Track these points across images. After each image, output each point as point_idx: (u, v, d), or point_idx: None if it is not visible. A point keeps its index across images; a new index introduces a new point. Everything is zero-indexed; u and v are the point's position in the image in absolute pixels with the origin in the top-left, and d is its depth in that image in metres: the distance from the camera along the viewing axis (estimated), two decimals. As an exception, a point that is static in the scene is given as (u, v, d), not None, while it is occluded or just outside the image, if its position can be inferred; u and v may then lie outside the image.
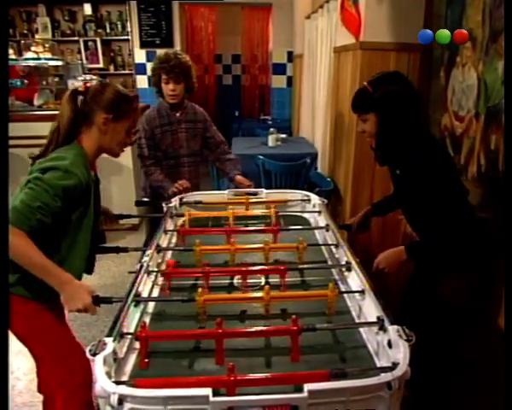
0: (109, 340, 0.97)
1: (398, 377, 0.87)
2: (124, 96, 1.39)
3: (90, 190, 1.36)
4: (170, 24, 5.31)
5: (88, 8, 5.35)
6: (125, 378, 0.96)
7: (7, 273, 1.18)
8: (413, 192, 1.52)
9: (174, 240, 1.74)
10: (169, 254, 1.64)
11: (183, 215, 1.91)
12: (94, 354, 0.92)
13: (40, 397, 1.56)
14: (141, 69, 5.48)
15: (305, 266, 1.48)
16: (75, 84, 3.58)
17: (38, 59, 3.97)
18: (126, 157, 3.75)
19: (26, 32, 5.44)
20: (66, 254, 1.33)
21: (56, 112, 1.39)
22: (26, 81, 4.06)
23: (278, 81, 5.77)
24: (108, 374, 0.89)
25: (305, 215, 2.04)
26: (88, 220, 1.38)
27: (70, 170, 1.24)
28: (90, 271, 1.53)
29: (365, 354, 1.08)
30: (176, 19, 5.33)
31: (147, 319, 1.21)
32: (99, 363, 0.90)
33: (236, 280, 1.41)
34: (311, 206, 2.03)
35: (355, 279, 1.34)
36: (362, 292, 1.25)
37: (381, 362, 1.02)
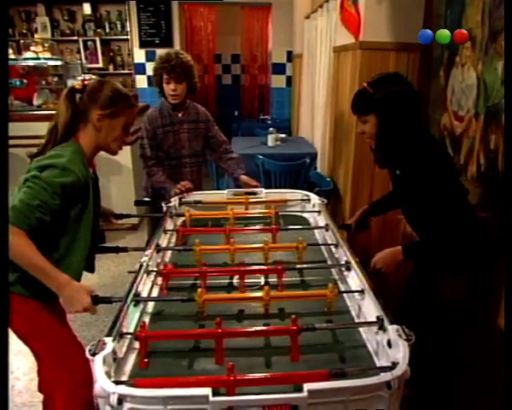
0: (109, 340, 0.97)
1: (398, 377, 0.87)
2: (118, 92, 1.38)
3: (89, 186, 1.36)
4: (169, 24, 5.31)
5: (87, 8, 5.35)
6: (124, 378, 0.96)
7: (7, 273, 1.18)
8: (413, 192, 1.52)
9: (174, 240, 1.74)
10: (168, 253, 1.64)
11: (182, 215, 1.91)
12: (93, 354, 0.92)
13: (40, 397, 1.57)
14: (140, 69, 5.47)
15: (305, 265, 1.47)
16: (74, 82, 3.57)
17: (38, 59, 3.97)
18: (126, 157, 3.75)
19: (25, 31, 5.44)
20: (65, 251, 1.33)
21: (55, 112, 1.39)
22: (25, 81, 4.05)
23: (278, 81, 5.77)
24: (108, 374, 0.89)
25: (305, 215, 2.04)
26: (87, 218, 1.38)
27: (67, 167, 1.24)
28: (91, 269, 1.53)
29: (365, 353, 1.08)
30: (175, 18, 5.33)
31: (146, 319, 1.21)
32: (98, 363, 0.90)
33: (236, 280, 1.41)
34: (310, 206, 2.03)
35: (354, 279, 1.34)
36: (361, 292, 1.25)
37: (380, 362, 1.02)
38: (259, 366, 1.03)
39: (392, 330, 1.01)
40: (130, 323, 1.13)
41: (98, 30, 5.44)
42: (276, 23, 5.50)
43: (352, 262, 1.38)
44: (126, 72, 5.61)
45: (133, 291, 1.20)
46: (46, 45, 4.09)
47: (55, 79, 4.40)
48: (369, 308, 1.17)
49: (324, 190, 2.81)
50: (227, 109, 6.42)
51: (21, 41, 4.64)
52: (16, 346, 2.23)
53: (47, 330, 1.35)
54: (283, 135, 4.02)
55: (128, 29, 5.33)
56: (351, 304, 1.30)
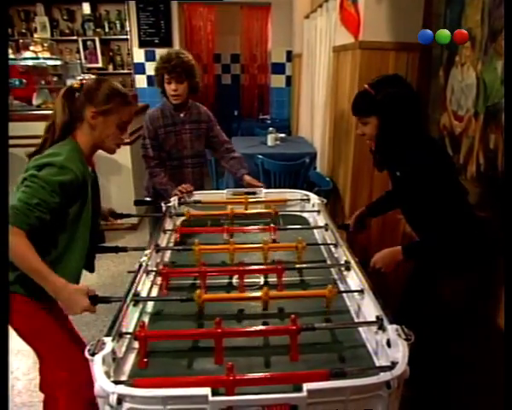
0: (108, 339, 0.97)
1: (397, 377, 0.87)
2: (112, 90, 1.36)
3: (87, 185, 1.36)
4: (169, 23, 5.31)
5: (87, 8, 5.34)
6: (124, 378, 0.96)
7: (7, 273, 1.18)
8: (413, 193, 1.52)
9: (173, 239, 1.73)
10: (168, 253, 1.64)
11: (182, 215, 1.91)
12: (93, 354, 0.92)
13: (39, 397, 1.56)
14: (140, 69, 5.47)
15: (304, 265, 1.47)
16: (73, 82, 3.57)
17: (37, 58, 3.96)
18: (125, 156, 3.75)
19: (24, 31, 5.43)
20: (64, 250, 1.33)
21: (56, 108, 1.39)
22: (24, 81, 4.05)
23: (277, 81, 5.77)
24: (107, 374, 0.89)
25: (305, 215, 2.04)
26: (86, 216, 1.38)
27: (65, 165, 1.24)
28: (91, 268, 1.52)
29: (364, 353, 1.08)
30: (175, 18, 5.33)
31: (146, 319, 1.21)
32: (98, 363, 0.90)
33: (235, 280, 1.41)
34: (310, 205, 2.03)
35: (354, 279, 1.34)
36: (361, 292, 1.25)
37: (380, 361, 1.02)
38: (259, 365, 1.03)
39: (391, 329, 1.01)
40: (130, 323, 1.13)
41: (97, 30, 5.43)
42: (276, 23, 5.50)
43: (352, 262, 1.38)
44: (126, 71, 5.60)
45: (132, 291, 1.20)
46: (45, 45, 4.08)
47: (55, 78, 4.39)
48: (369, 308, 1.17)
49: (324, 189, 2.82)
50: (226, 109, 6.41)
51: (20, 41, 4.63)
52: (16, 346, 2.24)
53: (46, 330, 1.35)
54: (283, 135, 4.02)
55: (127, 29, 5.33)
56: (350, 304, 1.30)
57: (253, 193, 2.10)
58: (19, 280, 1.24)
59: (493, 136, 1.72)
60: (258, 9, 6.18)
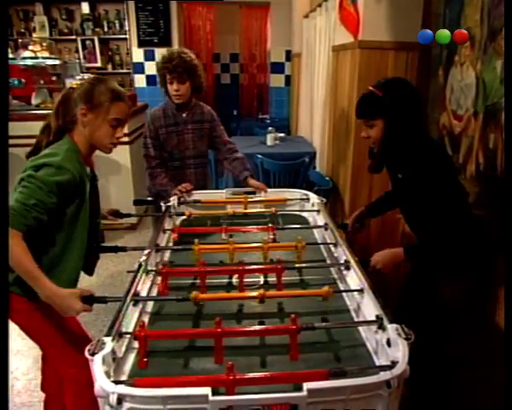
0: (108, 339, 0.97)
1: (398, 376, 0.88)
2: (101, 86, 1.34)
3: (85, 184, 1.36)
4: (168, 23, 5.30)
5: (85, 7, 5.33)
6: (124, 378, 0.96)
7: (7, 273, 1.18)
8: (415, 194, 1.51)
9: (172, 239, 1.73)
10: (168, 253, 1.63)
11: (181, 214, 1.91)
12: (93, 354, 0.92)
13: (39, 397, 1.57)
14: (139, 68, 5.47)
15: (304, 265, 1.47)
16: (72, 82, 3.57)
17: (36, 58, 3.95)
18: (124, 156, 3.74)
19: (23, 30, 5.42)
20: (62, 251, 1.33)
21: (53, 110, 1.39)
22: (23, 80, 4.04)
23: (276, 80, 5.77)
24: (107, 374, 0.89)
25: (304, 214, 2.04)
26: (84, 215, 1.37)
27: (62, 166, 1.24)
28: (89, 271, 1.52)
29: (364, 352, 1.08)
30: (174, 17, 5.32)
31: (145, 319, 1.21)
32: (98, 362, 0.90)
33: (235, 279, 1.41)
34: (309, 205, 2.03)
35: (354, 278, 1.34)
36: (361, 291, 1.25)
37: (380, 361, 1.02)
38: (259, 365, 1.03)
39: (391, 329, 1.01)
40: (130, 322, 1.13)
41: (96, 29, 5.42)
42: (275, 22, 5.50)
43: (352, 261, 1.38)
44: (125, 71, 5.60)
45: (132, 291, 1.20)
46: (44, 44, 4.07)
47: (54, 78, 4.38)
48: (369, 307, 1.17)
49: (323, 189, 2.82)
50: (226, 109, 6.40)
51: (19, 40, 4.63)
52: (15, 346, 2.24)
53: (47, 329, 1.35)
54: (282, 134, 4.02)
55: (126, 28, 5.32)
56: (350, 303, 1.30)
57: (253, 193, 2.10)
58: (17, 281, 1.24)
59: (493, 135, 1.72)
60: (258, 9, 6.18)
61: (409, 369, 0.90)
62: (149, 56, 5.37)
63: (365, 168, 2.43)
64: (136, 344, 1.07)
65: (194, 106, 2.23)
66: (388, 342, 1.00)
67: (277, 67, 5.70)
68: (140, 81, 5.50)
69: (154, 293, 1.35)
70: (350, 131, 2.51)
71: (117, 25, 5.47)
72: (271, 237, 1.66)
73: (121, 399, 0.83)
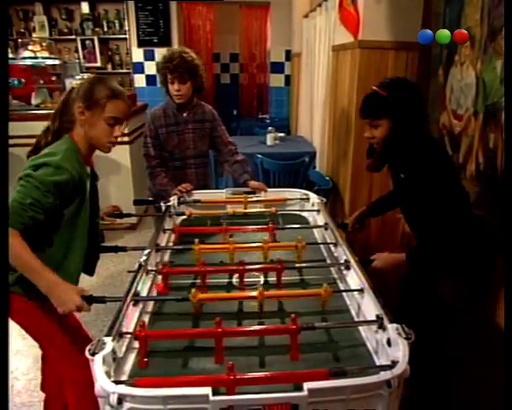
0: (108, 339, 0.97)
1: (398, 376, 0.88)
2: (98, 84, 1.34)
3: (85, 184, 1.36)
4: (167, 22, 5.30)
5: (85, 7, 5.33)
6: (124, 378, 0.96)
7: (7, 273, 1.18)
8: (416, 194, 1.51)
9: (173, 239, 1.73)
10: (168, 253, 1.63)
11: (181, 214, 1.91)
12: (93, 354, 0.92)
13: (39, 397, 1.57)
14: (138, 68, 5.46)
15: (304, 264, 1.47)
16: (73, 82, 3.57)
17: (35, 58, 3.95)
18: (124, 156, 3.74)
19: (22, 30, 5.42)
20: (63, 250, 1.33)
21: (53, 111, 1.39)
22: (23, 80, 4.04)
23: (276, 80, 5.77)
24: (108, 374, 0.89)
25: (304, 214, 2.04)
26: (84, 215, 1.37)
27: (61, 165, 1.24)
28: (90, 272, 1.52)
29: (364, 352, 1.08)
30: (173, 17, 5.32)
31: (146, 319, 1.21)
32: (98, 362, 0.90)
33: (235, 279, 1.41)
34: (309, 205, 2.03)
35: (354, 278, 1.34)
36: (361, 291, 1.25)
37: (380, 360, 1.02)
38: (259, 365, 1.03)
39: (391, 328, 1.01)
40: (130, 322, 1.13)
41: (96, 29, 5.42)
42: (275, 22, 5.49)
43: (352, 261, 1.38)
44: (125, 71, 5.60)
45: (132, 291, 1.20)
46: (44, 44, 4.07)
47: (53, 78, 4.38)
48: (369, 307, 1.17)
49: (323, 188, 2.82)
50: (226, 108, 6.39)
51: (19, 40, 4.63)
52: (15, 346, 2.24)
53: (49, 328, 1.35)
54: (282, 134, 4.02)
55: (126, 28, 5.32)
56: (350, 303, 1.30)
57: (253, 192, 2.10)
58: (18, 281, 1.24)
59: (492, 135, 1.72)
60: (258, 8, 6.18)
61: (409, 369, 0.90)
62: (149, 56, 5.37)
63: (365, 168, 2.46)
64: (136, 344, 1.07)
65: (196, 105, 2.21)
66: (388, 342, 1.00)
67: (277, 67, 5.70)
68: (140, 81, 5.50)
69: (155, 293, 1.35)
70: (350, 130, 2.51)
71: (117, 25, 5.47)
72: (271, 236, 1.65)
73: (121, 399, 0.83)
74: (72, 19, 5.55)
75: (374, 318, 1.09)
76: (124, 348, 1.04)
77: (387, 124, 1.47)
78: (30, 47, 3.96)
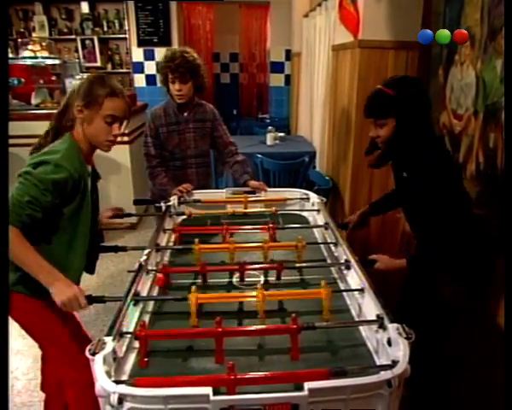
0: (109, 339, 0.97)
1: (398, 375, 0.88)
2: (95, 81, 1.34)
3: (86, 183, 1.35)
4: (167, 22, 5.30)
5: (85, 7, 5.33)
6: (124, 378, 0.96)
7: (7, 273, 1.18)
8: (419, 194, 1.49)
9: (173, 239, 1.73)
10: (168, 252, 1.63)
11: (181, 214, 1.91)
12: (93, 354, 0.92)
13: (39, 397, 1.57)
14: (138, 68, 5.46)
15: (304, 264, 1.47)
16: (73, 82, 3.57)
17: (35, 57, 3.95)
18: (124, 156, 3.74)
19: (22, 30, 5.41)
20: (65, 250, 1.33)
21: (53, 111, 1.40)
22: (23, 80, 4.04)
23: (276, 79, 5.76)
24: (108, 373, 0.89)
25: (304, 214, 2.04)
26: (86, 214, 1.37)
27: (60, 164, 1.24)
28: (91, 270, 1.52)
29: (365, 352, 1.08)
30: (173, 17, 5.32)
31: (146, 318, 1.21)
32: (99, 362, 0.90)
33: (235, 279, 1.41)
34: (309, 204, 2.03)
35: (354, 278, 1.34)
36: (361, 290, 1.25)
37: (380, 360, 1.02)
38: (259, 365, 1.03)
39: (392, 328, 1.01)
40: (130, 322, 1.13)
41: (96, 29, 5.42)
42: (275, 22, 5.49)
43: (352, 261, 1.38)
44: (124, 71, 5.59)
45: (132, 291, 1.20)
46: (44, 44, 4.07)
47: (53, 77, 4.38)
48: (369, 307, 1.17)
49: (323, 188, 2.82)
50: (225, 108, 6.39)
51: (19, 40, 4.63)
52: (15, 346, 2.24)
53: (50, 328, 1.35)
54: (282, 134, 4.02)
55: (126, 28, 5.32)
56: (351, 303, 1.30)
57: (253, 192, 2.10)
58: (20, 280, 1.24)
59: (493, 134, 1.72)
60: (257, 8, 6.18)
61: (409, 368, 0.90)
62: (149, 56, 5.37)
63: (365, 167, 2.45)
64: (136, 344, 1.07)
65: (197, 105, 2.21)
66: (389, 342, 1.00)
67: (277, 67, 5.70)
68: (139, 81, 5.49)
69: (155, 292, 1.35)
70: (350, 130, 2.50)
71: (116, 24, 5.46)
72: (271, 236, 1.65)
73: (122, 399, 0.83)
74: (71, 18, 5.54)
75: (374, 317, 1.09)
76: (124, 348, 1.04)
77: (393, 123, 1.45)
78: (30, 47, 3.96)
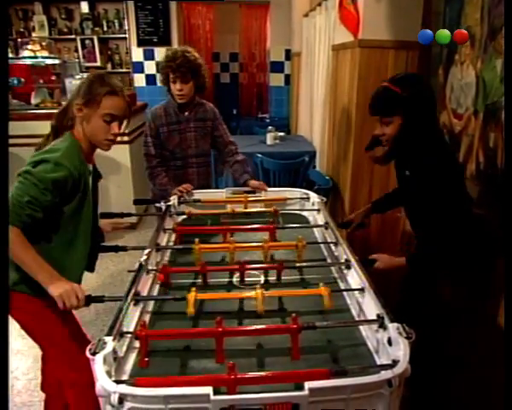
0: (109, 339, 0.97)
1: (399, 375, 0.88)
2: (94, 79, 1.33)
3: (86, 182, 1.35)
4: (167, 22, 5.29)
5: (85, 6, 5.32)
6: (125, 377, 0.96)
7: (6, 273, 1.18)
8: (420, 193, 1.48)
9: (173, 238, 1.73)
10: (168, 252, 1.63)
11: (182, 213, 1.91)
12: (94, 353, 0.92)
13: (39, 397, 1.57)
14: (138, 68, 5.46)
15: (305, 264, 1.47)
16: (73, 82, 3.57)
17: (35, 57, 3.95)
18: (124, 156, 3.74)
19: (22, 30, 5.41)
20: (66, 249, 1.33)
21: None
22: (22, 80, 4.04)
23: (276, 79, 5.76)
24: (108, 373, 0.89)
25: (304, 213, 2.04)
26: (87, 213, 1.37)
27: (60, 162, 1.24)
28: (90, 269, 1.52)
29: (365, 351, 1.08)
30: (173, 17, 5.32)
31: (146, 318, 1.21)
32: (99, 362, 0.90)
33: (235, 279, 1.41)
34: (309, 204, 2.03)
35: (354, 277, 1.34)
36: (361, 290, 1.25)
37: (381, 360, 1.02)
38: (260, 365, 1.03)
39: (392, 328, 1.01)
40: (131, 322, 1.13)
41: (96, 28, 5.42)
42: (275, 21, 5.49)
43: (352, 260, 1.38)
44: (124, 70, 5.59)
45: (133, 290, 1.20)
46: (43, 44, 4.07)
47: (53, 77, 4.38)
48: (370, 306, 1.17)
49: (323, 188, 2.82)
50: (225, 108, 6.38)
51: (19, 40, 4.63)
52: (16, 346, 2.24)
53: (53, 329, 1.35)
54: (282, 133, 4.02)
55: (126, 27, 5.31)
56: (351, 302, 1.30)
57: (253, 192, 2.10)
58: (24, 280, 1.24)
59: (493, 134, 1.72)
60: (257, 8, 6.17)
61: (410, 368, 0.90)
62: (149, 56, 5.36)
63: (365, 167, 2.46)
64: (137, 344, 1.07)
65: (197, 104, 2.20)
66: (389, 341, 1.00)
67: (277, 67, 5.69)
68: (139, 80, 5.49)
69: (155, 292, 1.35)
70: (350, 130, 2.50)
71: (116, 24, 5.46)
72: (272, 236, 1.65)
73: (122, 398, 0.83)
74: (71, 18, 5.54)
75: (374, 317, 1.09)
76: (124, 348, 1.04)
77: (400, 121, 1.43)
78: (29, 46, 3.97)
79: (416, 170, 1.50)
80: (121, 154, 3.65)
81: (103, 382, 0.85)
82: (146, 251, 1.43)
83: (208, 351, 1.04)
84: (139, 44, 5.36)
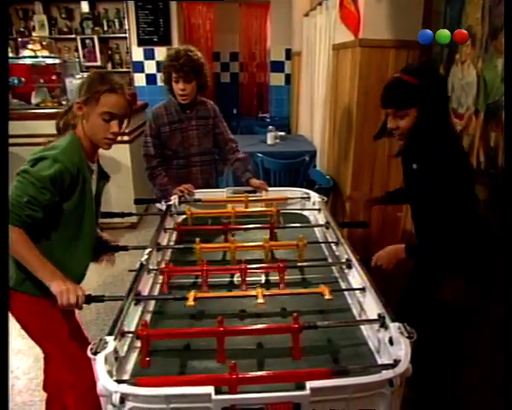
0: (110, 339, 0.97)
1: (400, 375, 0.88)
2: (93, 77, 1.33)
3: (85, 178, 1.34)
4: (168, 21, 5.29)
5: (85, 6, 5.32)
6: (126, 377, 0.97)
7: (6, 272, 1.18)
8: (434, 188, 1.43)
9: (174, 238, 1.73)
10: (169, 252, 1.63)
11: (182, 213, 1.91)
12: (95, 353, 0.92)
13: (40, 396, 1.57)
14: (138, 67, 5.45)
15: (306, 263, 1.47)
16: (73, 82, 3.57)
17: (35, 57, 3.95)
18: (124, 155, 3.74)
19: (22, 29, 5.40)
20: (68, 249, 1.34)
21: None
22: (23, 79, 4.04)
23: (276, 79, 5.76)
24: (110, 373, 0.89)
25: (305, 213, 2.04)
26: (90, 212, 1.38)
27: (57, 158, 1.24)
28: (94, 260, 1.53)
29: (366, 351, 1.08)
30: (173, 16, 5.31)
31: (147, 318, 1.21)
32: (100, 362, 0.90)
33: (236, 278, 1.41)
34: (310, 203, 2.03)
35: (355, 277, 1.34)
36: (363, 289, 1.25)
37: (382, 359, 1.02)
38: (261, 364, 1.03)
39: (393, 327, 1.01)
40: (132, 321, 1.13)
41: (96, 28, 5.41)
42: (275, 21, 5.49)
43: (353, 260, 1.38)
44: (124, 70, 5.58)
45: (134, 290, 1.20)
46: (44, 43, 4.07)
47: (53, 77, 4.38)
48: (371, 306, 1.17)
49: (324, 187, 2.82)
50: (226, 107, 6.37)
51: (19, 39, 4.62)
52: (16, 345, 2.24)
53: (55, 330, 1.35)
54: (282, 133, 4.02)
55: (126, 27, 5.31)
56: (352, 302, 1.30)
57: (254, 192, 2.10)
58: (28, 280, 1.24)
59: (493, 134, 1.72)
60: (258, 7, 6.17)
61: (411, 368, 0.90)
62: (149, 55, 5.36)
63: (366, 167, 2.46)
64: (138, 343, 1.07)
65: (198, 102, 2.20)
66: (391, 341, 1.00)
67: (277, 66, 5.69)
68: (140, 80, 5.49)
69: (156, 292, 1.35)
70: (351, 129, 2.50)
71: (116, 24, 5.45)
72: (272, 235, 1.65)
73: (124, 398, 0.83)
74: (71, 18, 5.54)
75: (376, 317, 1.09)
76: (126, 348, 1.04)
77: (415, 113, 1.37)
78: (30, 46, 3.97)
79: (427, 163, 1.44)
80: (121, 153, 3.65)
81: (105, 381, 0.85)
82: (147, 251, 1.43)
83: (209, 351, 1.04)
84: (139, 44, 5.36)
